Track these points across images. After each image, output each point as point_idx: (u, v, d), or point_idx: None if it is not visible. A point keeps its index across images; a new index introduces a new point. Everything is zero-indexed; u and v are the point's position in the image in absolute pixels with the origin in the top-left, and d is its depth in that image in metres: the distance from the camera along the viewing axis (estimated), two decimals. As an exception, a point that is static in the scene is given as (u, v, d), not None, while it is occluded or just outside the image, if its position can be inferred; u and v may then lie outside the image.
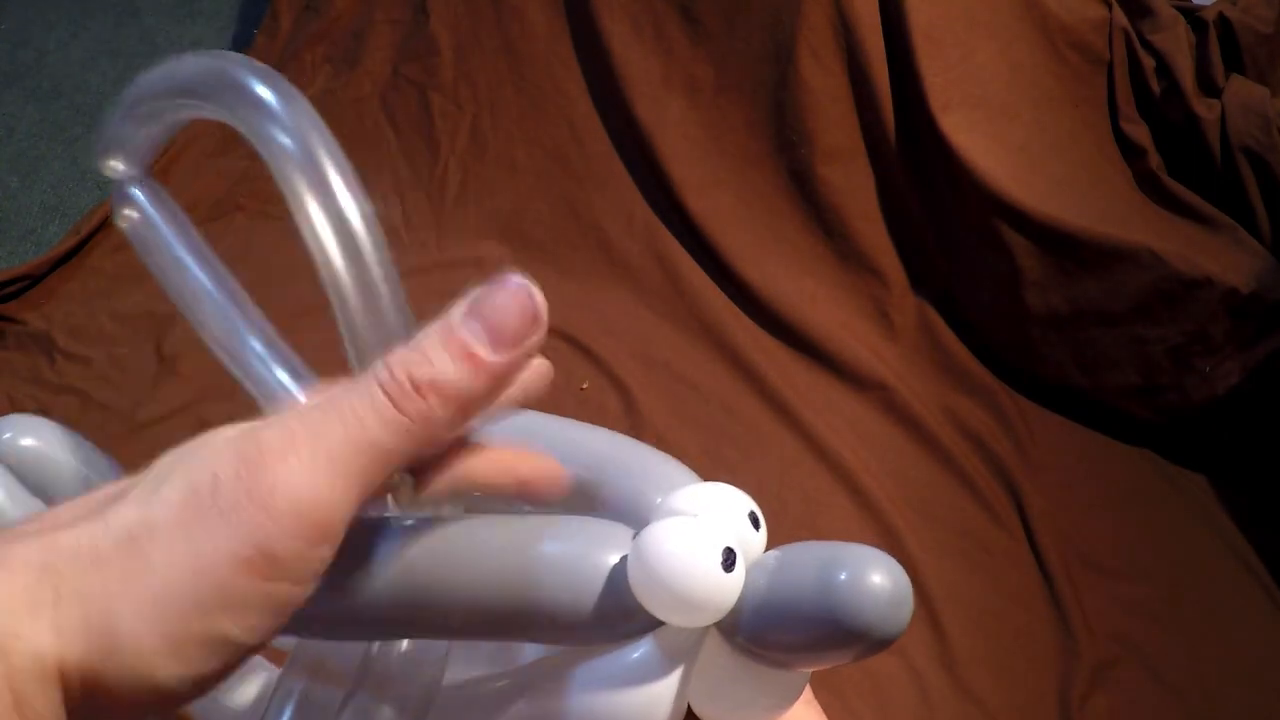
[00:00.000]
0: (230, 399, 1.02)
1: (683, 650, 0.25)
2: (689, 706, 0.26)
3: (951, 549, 0.81)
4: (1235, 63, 0.93)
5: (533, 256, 1.09)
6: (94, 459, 0.32)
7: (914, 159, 0.95)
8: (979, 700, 0.72)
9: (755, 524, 0.25)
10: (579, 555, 0.25)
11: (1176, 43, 0.92)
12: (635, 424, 0.91)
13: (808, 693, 0.28)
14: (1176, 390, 0.85)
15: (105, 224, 1.21)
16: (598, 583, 0.24)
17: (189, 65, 0.31)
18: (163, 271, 0.33)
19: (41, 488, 0.30)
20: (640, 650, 0.25)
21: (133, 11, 1.68)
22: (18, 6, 1.73)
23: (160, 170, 1.27)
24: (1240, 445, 0.84)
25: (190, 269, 0.34)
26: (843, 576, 0.23)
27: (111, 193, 0.35)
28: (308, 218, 0.28)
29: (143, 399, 0.99)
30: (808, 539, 0.85)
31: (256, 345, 0.33)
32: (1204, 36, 0.92)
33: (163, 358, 1.02)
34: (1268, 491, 0.82)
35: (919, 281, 0.98)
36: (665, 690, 0.25)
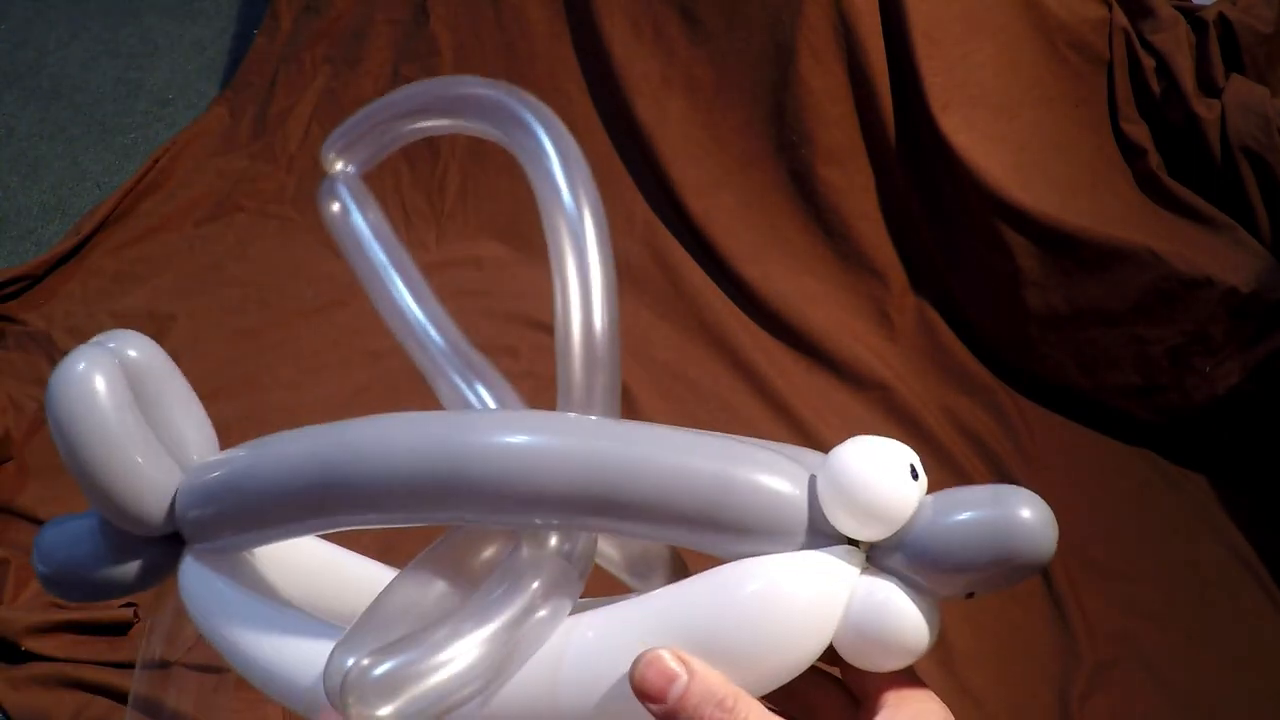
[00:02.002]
0: (230, 399, 1.03)
1: (849, 568, 0.27)
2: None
3: (951, 549, 0.81)
4: (1235, 63, 0.93)
5: (533, 256, 1.09)
6: (189, 398, 0.33)
7: (914, 159, 0.95)
8: (979, 700, 0.72)
9: (915, 475, 0.27)
10: (767, 472, 0.27)
11: (1176, 43, 0.92)
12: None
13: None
14: (1176, 390, 0.85)
15: (105, 224, 1.21)
16: (785, 497, 0.27)
17: (463, 87, 0.34)
18: (357, 266, 0.36)
19: (138, 397, 0.30)
20: (818, 556, 0.27)
21: (133, 11, 1.68)
22: (18, 6, 1.73)
23: (160, 171, 1.27)
24: (1240, 445, 0.84)
25: (383, 267, 0.36)
26: (1008, 504, 0.26)
27: (320, 185, 0.37)
28: (562, 274, 0.31)
29: (143, 399, 0.99)
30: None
31: (441, 343, 0.34)
32: (1204, 36, 0.92)
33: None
34: (1268, 491, 0.82)
35: (919, 281, 0.98)
36: (845, 582, 0.27)
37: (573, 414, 0.30)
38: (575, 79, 1.11)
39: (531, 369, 0.98)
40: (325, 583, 0.35)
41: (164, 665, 0.76)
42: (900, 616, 0.27)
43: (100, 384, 0.28)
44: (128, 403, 0.29)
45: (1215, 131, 0.88)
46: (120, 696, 0.74)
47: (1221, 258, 0.83)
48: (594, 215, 0.31)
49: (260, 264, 1.14)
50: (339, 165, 0.37)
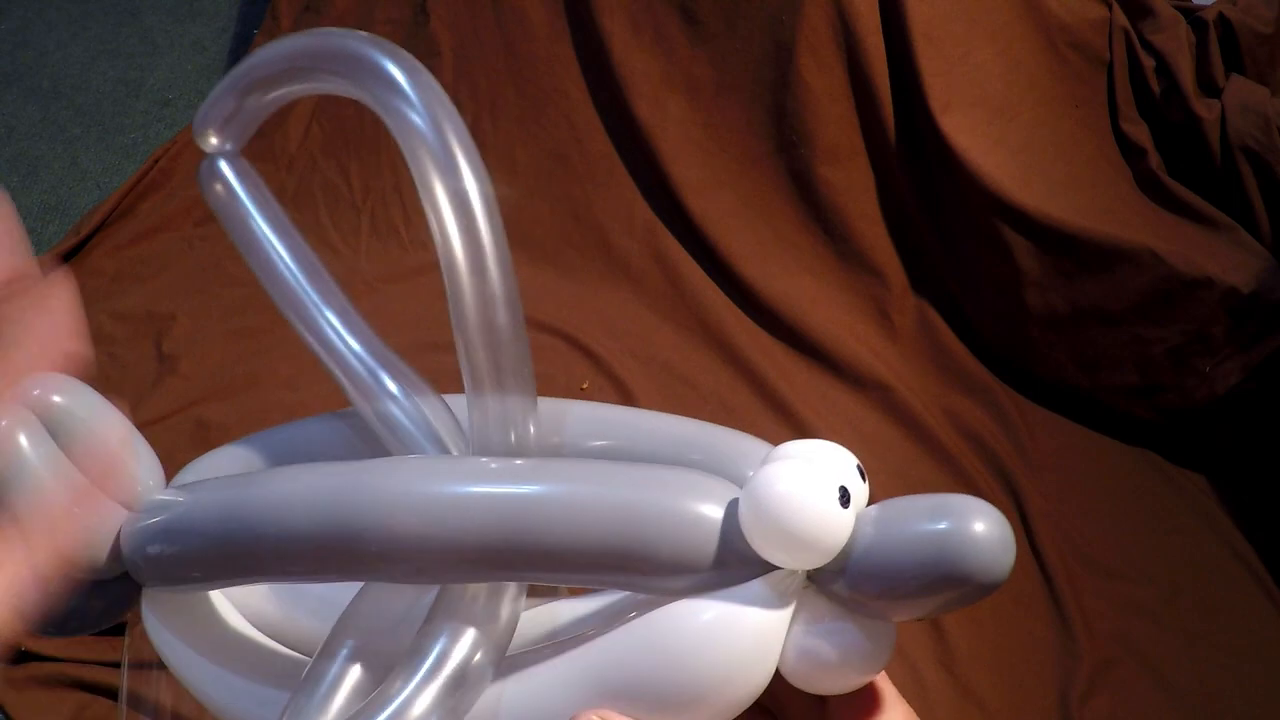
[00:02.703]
0: (230, 399, 1.03)
1: (782, 599, 0.25)
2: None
3: (951, 549, 0.81)
4: (1235, 63, 0.93)
5: (533, 256, 1.09)
6: (129, 435, 0.32)
7: (914, 159, 0.95)
8: (979, 700, 0.72)
9: (862, 476, 0.25)
10: (687, 500, 0.25)
11: (1176, 43, 0.92)
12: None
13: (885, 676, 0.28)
14: (1176, 390, 0.85)
15: (105, 224, 1.21)
16: (705, 527, 0.25)
17: (309, 40, 0.31)
18: (248, 250, 0.34)
19: (68, 444, 0.29)
20: (747, 590, 0.25)
21: (133, 11, 1.68)
22: (18, 6, 1.73)
23: (160, 171, 1.27)
24: (1240, 445, 0.84)
25: (275, 250, 0.34)
26: (951, 523, 0.23)
27: (200, 167, 0.35)
28: (433, 199, 0.28)
29: (143, 399, 0.99)
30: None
31: (344, 331, 0.33)
32: (1204, 36, 0.92)
33: (163, 358, 1.02)
34: (1268, 491, 0.82)
35: (919, 281, 0.98)
36: (776, 626, 0.25)
37: (470, 461, 0.27)
38: (575, 79, 1.11)
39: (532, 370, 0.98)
40: (291, 605, 0.33)
41: (163, 665, 0.76)
42: (844, 644, 0.25)
43: (23, 440, 0.27)
44: (52, 455, 0.28)
45: (1215, 131, 0.88)
46: (121, 696, 0.74)
47: (1221, 258, 0.83)
48: (477, 179, 0.29)
49: (260, 264, 1.14)
50: (214, 142, 0.35)
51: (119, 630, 0.81)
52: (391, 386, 0.31)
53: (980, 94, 0.93)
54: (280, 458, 0.33)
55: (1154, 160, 0.92)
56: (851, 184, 0.97)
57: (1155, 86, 0.93)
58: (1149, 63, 0.93)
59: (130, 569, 0.29)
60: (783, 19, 0.97)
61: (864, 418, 0.91)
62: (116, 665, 0.75)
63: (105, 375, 1.03)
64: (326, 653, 0.27)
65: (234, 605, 0.33)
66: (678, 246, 1.03)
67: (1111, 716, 0.71)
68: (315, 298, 0.33)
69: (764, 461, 0.25)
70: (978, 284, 0.94)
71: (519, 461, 0.27)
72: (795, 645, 0.25)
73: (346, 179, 1.21)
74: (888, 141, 0.95)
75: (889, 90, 0.94)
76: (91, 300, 1.12)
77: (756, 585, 0.25)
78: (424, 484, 0.26)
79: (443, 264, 0.28)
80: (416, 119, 0.29)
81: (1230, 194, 0.88)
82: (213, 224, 1.21)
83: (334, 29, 0.31)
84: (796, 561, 0.24)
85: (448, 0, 1.19)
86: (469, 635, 0.26)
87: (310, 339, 0.32)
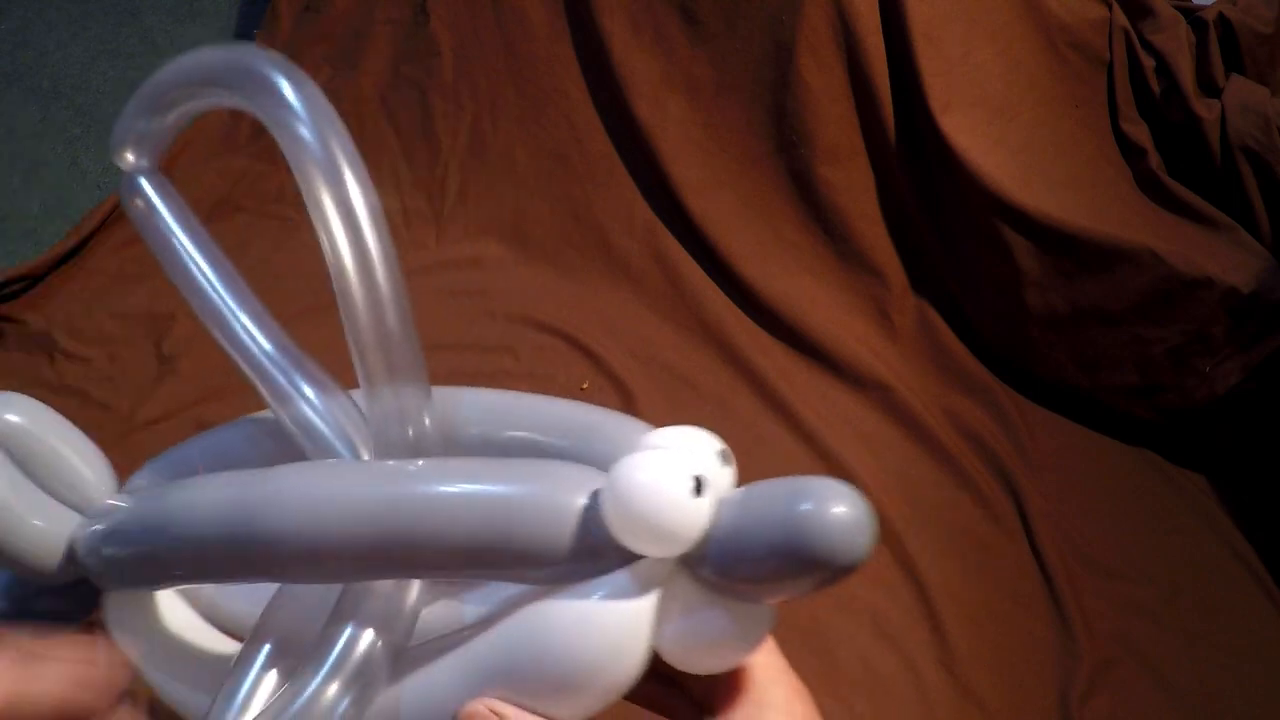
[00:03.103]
0: (230, 399, 1.03)
1: (652, 585, 0.26)
2: (656, 656, 0.27)
3: (951, 549, 0.81)
4: (1235, 63, 0.93)
5: (533, 256, 1.09)
6: (81, 445, 0.34)
7: (914, 159, 0.95)
8: (979, 700, 0.72)
9: (725, 460, 0.26)
10: (551, 493, 0.26)
11: (1176, 43, 0.92)
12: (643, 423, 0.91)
13: (772, 643, 0.29)
14: (1176, 390, 0.85)
15: (105, 224, 1.21)
16: (570, 518, 0.26)
17: (210, 56, 0.33)
18: (168, 262, 0.35)
19: (26, 466, 0.31)
20: (614, 579, 0.26)
21: (133, 11, 1.68)
22: (18, 6, 1.73)
23: (162, 170, 1.27)
24: (1240, 445, 0.84)
25: (194, 261, 0.35)
26: (806, 506, 0.24)
27: (120, 183, 0.36)
28: (320, 210, 0.29)
29: (143, 399, 0.99)
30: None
31: (259, 337, 0.34)
32: (1204, 36, 0.92)
33: (163, 358, 1.02)
34: (1268, 491, 0.82)
35: (919, 281, 0.98)
36: (641, 616, 0.26)
37: (352, 466, 0.29)
38: (575, 79, 1.11)
39: (532, 369, 0.98)
40: (244, 600, 0.35)
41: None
42: (716, 626, 0.26)
43: None
44: (4, 464, 0.30)
45: (1215, 131, 0.88)
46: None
47: (1221, 258, 0.83)
48: (362, 189, 0.30)
49: (260, 264, 1.14)
50: (131, 159, 0.36)
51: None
52: (305, 388, 0.33)
53: (980, 94, 0.93)
54: (214, 460, 0.35)
55: (1154, 160, 0.92)
56: (851, 184, 0.97)
57: (1155, 86, 0.93)
58: (1149, 63, 0.93)
59: (85, 572, 0.31)
60: (783, 19, 0.97)
61: (864, 418, 0.91)
62: (116, 665, 0.75)
63: (105, 375, 1.03)
64: (244, 656, 0.29)
65: (189, 601, 0.35)
66: (678, 246, 1.03)
67: (1111, 716, 0.71)
68: (231, 304, 0.34)
69: (629, 449, 0.26)
70: (978, 284, 0.94)
71: (392, 464, 0.28)
72: (670, 628, 0.26)
73: (346, 179, 1.21)
74: (888, 141, 0.95)
75: (889, 90, 0.94)
76: (91, 300, 1.12)
77: (624, 573, 0.26)
78: (311, 490, 0.28)
79: (331, 273, 0.30)
80: (304, 132, 0.30)
81: (1230, 194, 0.88)
82: (213, 224, 1.21)
83: (233, 45, 0.33)
84: (657, 550, 0.25)
85: (448, 0, 1.19)
86: (369, 632, 0.27)
87: (226, 345, 0.34)
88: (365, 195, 0.30)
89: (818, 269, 0.99)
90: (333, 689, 0.27)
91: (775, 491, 0.25)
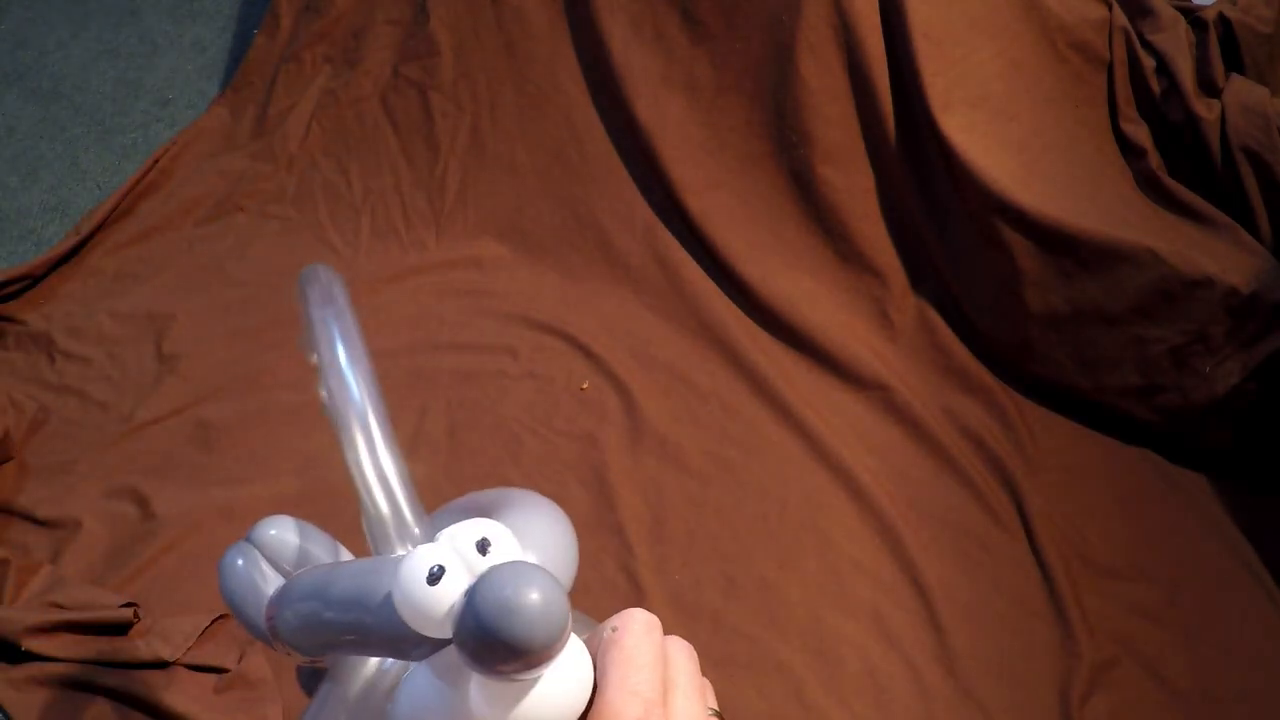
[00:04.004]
0: (230, 400, 1.03)
1: (454, 668, 0.28)
2: None
3: (951, 549, 0.81)
4: (1235, 63, 0.93)
5: (533, 256, 1.09)
6: (323, 540, 0.39)
7: (914, 159, 0.95)
8: (979, 700, 0.72)
9: (483, 550, 0.28)
10: (370, 589, 0.30)
11: (1176, 43, 0.92)
12: (635, 424, 0.91)
13: (635, 684, 0.29)
14: (1176, 390, 0.85)
15: (105, 224, 1.21)
16: (381, 611, 0.29)
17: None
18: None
19: (280, 566, 0.38)
20: (413, 669, 0.29)
21: (133, 11, 1.68)
22: (18, 6, 1.73)
23: (160, 171, 1.27)
24: (1240, 445, 0.84)
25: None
26: (479, 595, 0.25)
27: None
28: (358, 467, 0.36)
29: (143, 399, 0.99)
30: (808, 539, 0.85)
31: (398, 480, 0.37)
32: (1204, 36, 0.92)
33: (163, 358, 1.02)
34: (1268, 491, 0.82)
35: (919, 281, 0.98)
36: (450, 689, 0.28)
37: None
38: (575, 79, 1.11)
39: (532, 369, 0.98)
40: None
41: (162, 665, 0.76)
42: (511, 699, 0.27)
43: (236, 559, 0.38)
44: (255, 563, 0.38)
45: (1215, 131, 0.88)
46: (121, 696, 0.74)
47: (1221, 258, 0.83)
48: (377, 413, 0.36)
49: (260, 264, 1.14)
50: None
51: (120, 630, 0.81)
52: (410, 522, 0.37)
53: (980, 94, 0.93)
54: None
55: (1154, 160, 0.92)
56: (851, 184, 0.97)
57: (1155, 86, 0.93)
58: (1149, 63, 0.93)
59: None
60: (783, 19, 0.97)
61: (864, 418, 0.91)
62: (116, 665, 0.75)
63: (105, 375, 1.03)
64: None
65: None
66: (678, 246, 1.03)
67: (1111, 716, 0.71)
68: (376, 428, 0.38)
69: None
70: (978, 284, 0.94)
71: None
72: (478, 704, 0.28)
73: (346, 179, 1.21)
74: (888, 141, 0.95)
75: (889, 90, 0.94)
76: (91, 300, 1.12)
77: (421, 664, 0.29)
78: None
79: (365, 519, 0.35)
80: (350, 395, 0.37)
81: (1230, 194, 0.88)
82: (212, 224, 1.21)
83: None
84: (433, 634, 0.27)
85: (448, 0, 1.19)
86: None
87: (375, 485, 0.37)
88: (396, 463, 0.36)
89: (818, 269, 0.99)
90: None
91: (486, 580, 0.26)
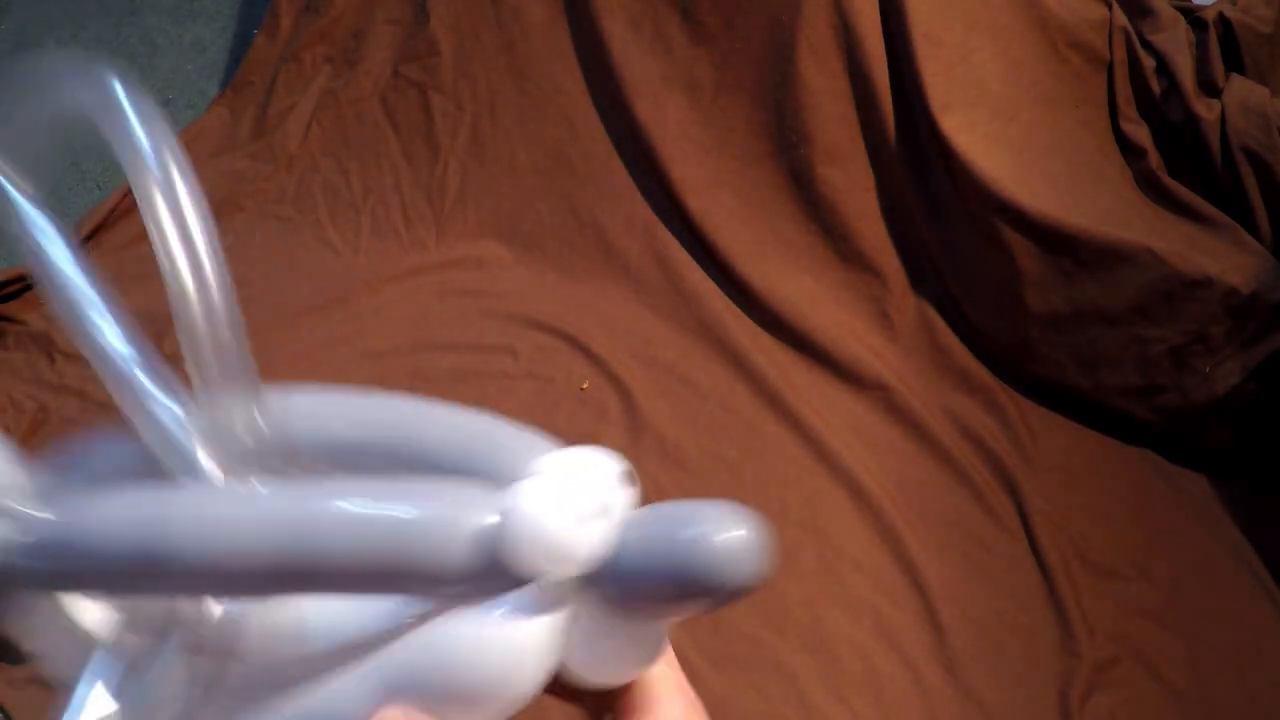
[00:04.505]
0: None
1: (553, 603, 0.27)
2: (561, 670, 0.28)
3: (951, 549, 0.81)
4: (1235, 63, 0.93)
5: (533, 256, 1.09)
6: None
7: (914, 159, 0.95)
8: (979, 700, 0.72)
9: (627, 482, 0.27)
10: (450, 516, 0.26)
11: (1176, 43, 0.92)
12: (635, 424, 0.91)
13: (672, 656, 0.30)
14: (1176, 390, 0.85)
15: (105, 224, 1.21)
16: (469, 540, 0.26)
17: (39, 63, 0.32)
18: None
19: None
20: (515, 598, 0.27)
21: (133, 11, 1.68)
22: (18, 6, 1.72)
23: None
24: (1240, 445, 0.84)
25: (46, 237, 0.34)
26: (694, 532, 0.25)
27: None
28: (156, 222, 0.29)
29: (143, 399, 0.99)
30: (808, 539, 0.85)
31: (115, 333, 0.32)
32: (1204, 36, 0.92)
33: (163, 358, 1.02)
34: (1268, 491, 0.82)
35: (919, 281, 0.97)
36: (539, 633, 0.27)
37: (234, 490, 0.30)
38: (575, 79, 1.11)
39: (532, 369, 0.98)
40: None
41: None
42: (612, 642, 0.27)
43: None
44: None
45: (1215, 131, 0.88)
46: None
47: (1221, 258, 0.83)
48: (188, 185, 0.30)
49: (260, 264, 1.14)
50: None
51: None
52: (154, 391, 0.32)
53: (980, 94, 0.93)
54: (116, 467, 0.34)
55: (1154, 160, 0.92)
56: (851, 184, 0.97)
57: (1155, 86, 0.93)
58: (1149, 63, 0.93)
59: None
60: (783, 19, 0.97)
61: (864, 418, 0.91)
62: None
63: (105, 375, 1.03)
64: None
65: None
66: (678, 246, 1.03)
67: (1111, 716, 0.71)
68: (89, 294, 0.32)
69: (528, 472, 0.27)
70: (978, 284, 0.94)
71: (291, 487, 0.28)
72: (571, 643, 0.27)
73: (346, 179, 1.21)
74: (888, 141, 0.95)
75: (889, 90, 0.94)
76: (91, 300, 1.12)
77: (525, 592, 0.27)
78: (223, 512, 0.28)
79: (165, 279, 0.31)
80: (141, 140, 0.30)
81: (1230, 194, 0.88)
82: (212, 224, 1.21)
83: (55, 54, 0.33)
84: (556, 572, 0.26)
85: (448, 0, 1.19)
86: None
87: (83, 340, 0.32)
88: (194, 200, 0.30)
89: (818, 269, 0.99)
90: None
91: (670, 516, 0.26)
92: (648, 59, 1.06)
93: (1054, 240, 0.87)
